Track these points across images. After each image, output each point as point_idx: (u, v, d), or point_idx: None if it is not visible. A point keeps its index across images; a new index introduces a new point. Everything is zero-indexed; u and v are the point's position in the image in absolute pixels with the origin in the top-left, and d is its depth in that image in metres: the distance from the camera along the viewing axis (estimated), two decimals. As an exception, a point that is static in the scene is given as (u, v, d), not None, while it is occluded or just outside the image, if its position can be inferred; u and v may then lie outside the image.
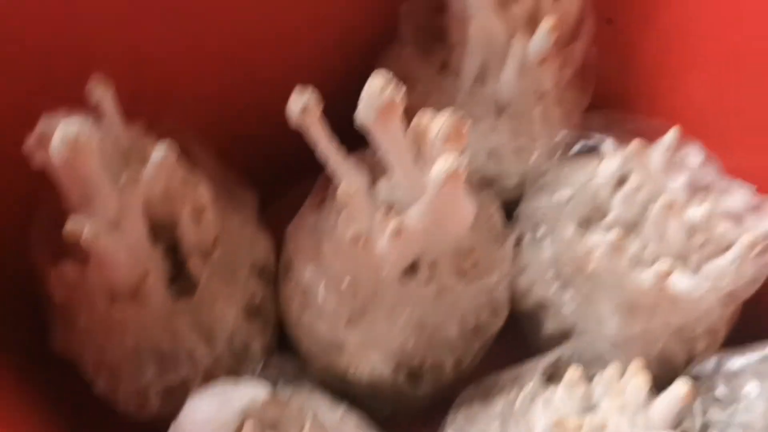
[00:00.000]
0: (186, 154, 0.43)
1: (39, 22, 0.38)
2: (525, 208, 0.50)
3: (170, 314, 0.41)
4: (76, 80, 0.36)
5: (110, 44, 0.41)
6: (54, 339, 0.41)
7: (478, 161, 0.51)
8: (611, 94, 0.51)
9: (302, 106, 0.36)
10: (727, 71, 0.46)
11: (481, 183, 0.51)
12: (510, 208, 0.51)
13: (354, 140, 0.38)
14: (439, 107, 0.49)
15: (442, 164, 0.33)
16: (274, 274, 0.48)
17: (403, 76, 0.51)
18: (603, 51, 0.49)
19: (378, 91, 0.32)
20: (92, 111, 0.35)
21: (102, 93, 0.34)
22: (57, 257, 0.40)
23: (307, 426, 0.36)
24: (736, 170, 0.45)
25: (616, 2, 0.49)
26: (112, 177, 0.35)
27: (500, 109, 0.48)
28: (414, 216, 0.38)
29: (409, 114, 0.51)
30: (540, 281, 0.47)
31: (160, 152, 0.35)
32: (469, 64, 0.47)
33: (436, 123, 0.33)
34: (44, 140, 0.33)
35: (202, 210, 0.40)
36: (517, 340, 0.49)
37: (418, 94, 0.50)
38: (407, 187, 0.39)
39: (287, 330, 0.48)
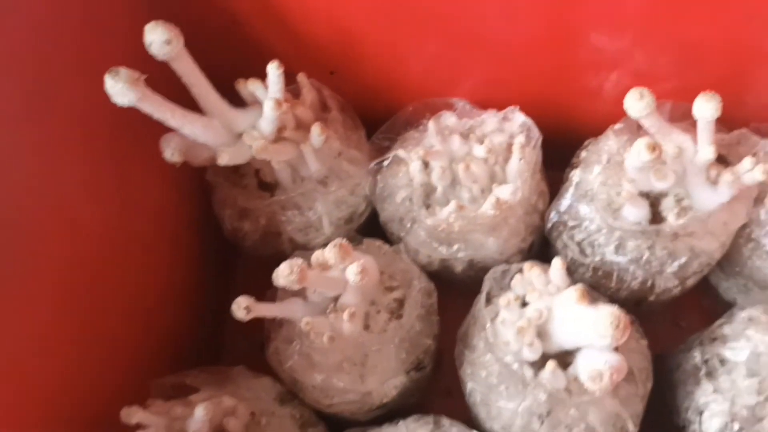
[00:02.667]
0: (184, 389, 0.56)
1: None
2: (385, 216, 0.66)
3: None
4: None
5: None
6: None
7: (333, 214, 0.66)
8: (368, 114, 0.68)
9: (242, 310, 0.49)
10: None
11: (347, 221, 0.68)
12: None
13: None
14: (287, 211, 0.64)
15: (352, 271, 0.49)
16: (289, 392, 0.63)
17: (245, 214, 0.65)
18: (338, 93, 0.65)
19: (288, 272, 0.46)
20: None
21: (143, 417, 0.47)
22: None
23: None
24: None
25: (334, 58, 0.64)
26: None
27: (324, 182, 0.63)
28: (350, 299, 0.54)
29: (275, 218, 0.64)
30: (432, 250, 0.64)
31: (201, 411, 0.48)
32: (284, 178, 0.61)
33: (328, 255, 0.48)
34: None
35: (234, 409, 0.53)
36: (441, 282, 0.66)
37: (271, 220, 0.64)
38: (332, 289, 0.54)
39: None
